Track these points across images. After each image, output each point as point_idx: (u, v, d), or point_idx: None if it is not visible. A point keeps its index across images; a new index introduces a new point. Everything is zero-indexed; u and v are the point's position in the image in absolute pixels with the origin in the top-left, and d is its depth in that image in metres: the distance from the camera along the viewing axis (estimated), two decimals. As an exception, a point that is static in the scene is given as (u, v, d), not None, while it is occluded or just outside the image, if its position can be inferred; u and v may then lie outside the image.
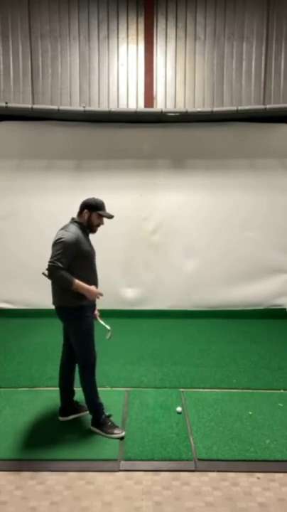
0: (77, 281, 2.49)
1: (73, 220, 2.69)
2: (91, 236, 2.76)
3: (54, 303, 2.65)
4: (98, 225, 2.71)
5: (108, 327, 2.77)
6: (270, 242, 5.56)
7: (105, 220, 2.74)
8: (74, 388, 2.86)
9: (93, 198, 2.69)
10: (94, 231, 2.72)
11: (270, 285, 5.63)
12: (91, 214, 2.65)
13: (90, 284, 2.59)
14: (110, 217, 2.71)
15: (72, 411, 2.86)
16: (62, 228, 2.63)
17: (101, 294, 2.63)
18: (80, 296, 2.54)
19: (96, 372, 2.70)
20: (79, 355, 2.67)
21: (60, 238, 2.50)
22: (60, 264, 2.45)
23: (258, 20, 5.63)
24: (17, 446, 2.52)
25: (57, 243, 2.50)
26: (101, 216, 2.68)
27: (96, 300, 2.72)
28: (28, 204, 5.48)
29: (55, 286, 2.62)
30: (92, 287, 2.57)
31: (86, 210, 2.66)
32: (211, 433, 2.67)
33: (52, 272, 2.47)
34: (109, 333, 2.77)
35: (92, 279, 2.64)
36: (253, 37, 5.65)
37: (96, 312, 2.83)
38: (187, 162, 5.54)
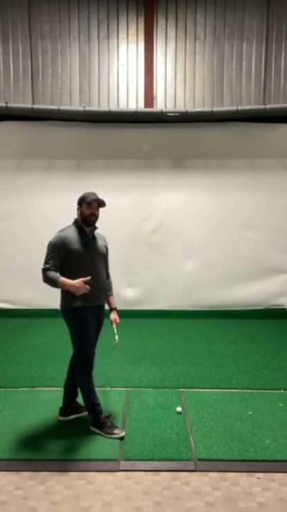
0: (61, 279, 2.47)
1: (73, 221, 2.70)
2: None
3: (59, 305, 2.67)
4: (91, 215, 2.61)
5: (117, 337, 2.74)
6: (270, 242, 5.57)
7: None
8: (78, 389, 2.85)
9: (82, 194, 2.67)
10: (90, 222, 2.62)
11: (270, 285, 5.63)
12: (81, 208, 2.63)
13: (90, 284, 2.53)
14: (97, 200, 2.60)
15: (73, 411, 2.85)
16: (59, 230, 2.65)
17: (86, 286, 2.47)
18: (72, 296, 2.52)
19: (94, 373, 2.68)
20: (76, 356, 2.67)
21: (50, 241, 2.57)
22: (46, 266, 2.51)
23: (258, 20, 5.63)
24: (17, 446, 2.52)
25: (47, 246, 2.58)
26: (89, 205, 2.59)
27: (97, 298, 2.67)
28: (29, 204, 5.49)
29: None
30: (76, 281, 2.44)
31: (77, 207, 2.67)
32: (211, 433, 2.66)
33: (42, 275, 2.54)
34: (116, 343, 2.73)
35: (91, 279, 2.56)
36: (253, 37, 5.65)
37: (113, 317, 2.80)
38: (187, 162, 5.54)
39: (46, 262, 2.53)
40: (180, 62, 5.71)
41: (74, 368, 2.79)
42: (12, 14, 5.62)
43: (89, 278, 2.50)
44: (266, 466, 2.35)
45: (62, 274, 2.53)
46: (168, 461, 2.38)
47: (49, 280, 2.50)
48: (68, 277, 2.51)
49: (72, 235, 2.59)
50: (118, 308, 2.89)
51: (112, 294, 2.89)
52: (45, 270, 2.52)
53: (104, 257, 2.76)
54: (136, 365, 3.87)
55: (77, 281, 2.46)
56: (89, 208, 2.60)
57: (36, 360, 3.96)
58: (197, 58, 5.70)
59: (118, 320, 2.82)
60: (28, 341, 4.56)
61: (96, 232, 2.75)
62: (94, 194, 2.64)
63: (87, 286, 2.47)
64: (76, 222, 2.67)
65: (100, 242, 2.75)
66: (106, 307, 2.83)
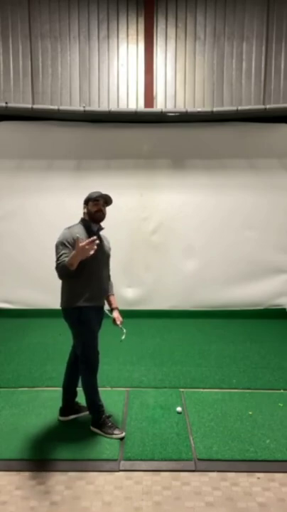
0: (67, 259, 2.37)
1: (80, 220, 2.69)
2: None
3: (60, 304, 2.67)
4: (97, 212, 2.59)
5: (124, 330, 2.76)
6: (270, 242, 5.57)
7: (106, 219, 2.67)
8: (78, 388, 2.85)
9: (89, 193, 2.66)
10: (97, 219, 2.61)
11: (270, 285, 5.63)
12: (88, 206, 2.63)
13: (93, 284, 2.57)
14: (103, 196, 2.59)
15: (73, 411, 2.85)
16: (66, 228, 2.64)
17: (93, 241, 2.33)
18: (77, 296, 2.52)
19: (97, 374, 2.69)
20: (80, 356, 2.66)
21: (57, 241, 2.53)
22: (58, 262, 2.44)
23: (258, 20, 5.62)
24: (17, 446, 2.52)
25: (55, 247, 2.53)
26: (95, 201, 2.59)
27: (99, 299, 2.67)
28: (29, 204, 5.49)
29: (61, 288, 2.63)
30: (79, 246, 2.28)
31: (84, 206, 2.67)
32: (211, 433, 2.67)
33: (57, 271, 2.45)
34: (123, 337, 2.74)
35: (93, 279, 2.58)
36: (253, 37, 5.65)
37: (116, 315, 2.79)
38: (187, 162, 5.54)
39: (57, 259, 2.45)
40: (180, 62, 5.71)
41: (71, 368, 2.79)
42: (12, 14, 5.62)
43: (95, 239, 2.36)
44: (266, 466, 2.35)
45: None
46: (168, 461, 2.38)
47: (62, 271, 2.39)
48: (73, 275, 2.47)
49: (80, 232, 2.57)
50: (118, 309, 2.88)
51: (113, 295, 2.89)
52: (57, 266, 2.43)
53: (107, 258, 2.76)
54: (136, 365, 3.87)
55: (80, 245, 2.29)
56: (95, 205, 2.60)
57: (36, 360, 3.96)
58: (197, 58, 5.70)
59: (121, 318, 2.81)
60: (28, 341, 4.56)
61: (102, 233, 2.74)
62: (99, 192, 2.63)
63: (86, 246, 2.32)
64: (83, 220, 2.66)
65: (105, 243, 2.75)
66: (107, 307, 2.83)
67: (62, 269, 2.41)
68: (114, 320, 2.78)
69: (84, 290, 2.56)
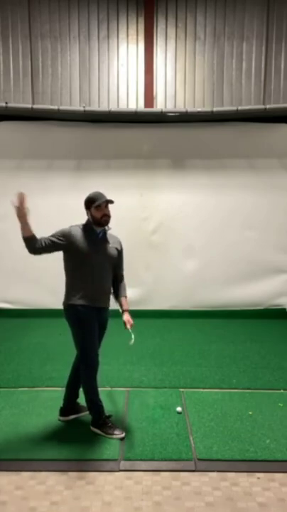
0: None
1: (85, 221, 2.68)
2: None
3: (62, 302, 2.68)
4: (103, 217, 2.57)
5: (133, 336, 2.71)
6: (270, 242, 5.57)
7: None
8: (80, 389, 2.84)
9: (88, 195, 2.62)
10: (103, 224, 2.60)
11: (270, 285, 5.63)
12: (91, 211, 2.60)
13: (91, 284, 2.56)
14: (106, 201, 2.57)
15: (73, 411, 2.85)
16: None
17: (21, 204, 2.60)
18: (73, 295, 2.55)
19: (97, 374, 2.68)
20: (79, 356, 2.66)
21: None
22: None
23: (258, 20, 5.63)
24: (17, 446, 2.52)
25: None
26: (98, 207, 2.56)
27: (98, 300, 2.66)
28: (29, 204, 5.47)
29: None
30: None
31: (86, 211, 2.64)
32: (211, 433, 2.66)
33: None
34: (131, 342, 2.70)
35: (92, 279, 2.57)
36: (253, 37, 5.65)
37: (126, 319, 2.72)
38: (187, 162, 5.55)
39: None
40: (180, 62, 5.71)
41: (77, 369, 2.79)
42: (12, 14, 5.62)
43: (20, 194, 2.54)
44: (266, 466, 2.35)
45: (66, 271, 2.62)
46: (168, 461, 2.38)
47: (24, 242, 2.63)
48: (69, 274, 2.59)
49: (81, 232, 2.58)
50: (118, 308, 2.85)
51: (125, 297, 2.81)
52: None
53: (112, 259, 2.69)
54: (136, 365, 3.87)
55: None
56: (99, 211, 2.57)
57: (36, 360, 3.96)
58: (197, 58, 5.70)
59: (131, 321, 2.74)
60: (27, 341, 4.56)
61: (110, 233, 2.72)
62: (101, 194, 2.59)
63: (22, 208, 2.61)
64: (87, 222, 2.65)
65: (111, 244, 2.70)
66: (114, 307, 2.78)
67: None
68: (125, 323, 2.73)
69: (81, 289, 2.56)
